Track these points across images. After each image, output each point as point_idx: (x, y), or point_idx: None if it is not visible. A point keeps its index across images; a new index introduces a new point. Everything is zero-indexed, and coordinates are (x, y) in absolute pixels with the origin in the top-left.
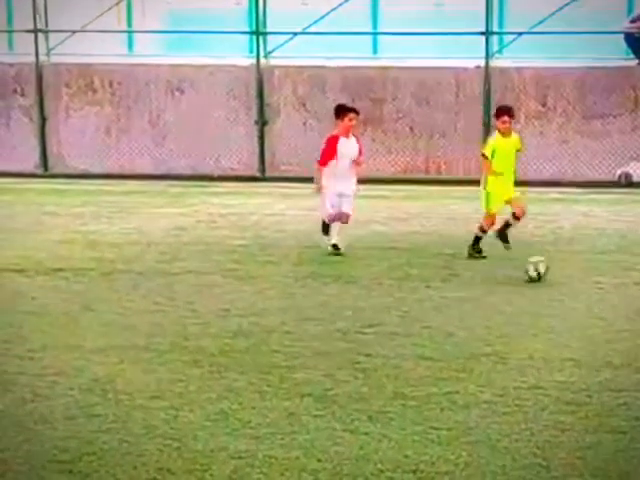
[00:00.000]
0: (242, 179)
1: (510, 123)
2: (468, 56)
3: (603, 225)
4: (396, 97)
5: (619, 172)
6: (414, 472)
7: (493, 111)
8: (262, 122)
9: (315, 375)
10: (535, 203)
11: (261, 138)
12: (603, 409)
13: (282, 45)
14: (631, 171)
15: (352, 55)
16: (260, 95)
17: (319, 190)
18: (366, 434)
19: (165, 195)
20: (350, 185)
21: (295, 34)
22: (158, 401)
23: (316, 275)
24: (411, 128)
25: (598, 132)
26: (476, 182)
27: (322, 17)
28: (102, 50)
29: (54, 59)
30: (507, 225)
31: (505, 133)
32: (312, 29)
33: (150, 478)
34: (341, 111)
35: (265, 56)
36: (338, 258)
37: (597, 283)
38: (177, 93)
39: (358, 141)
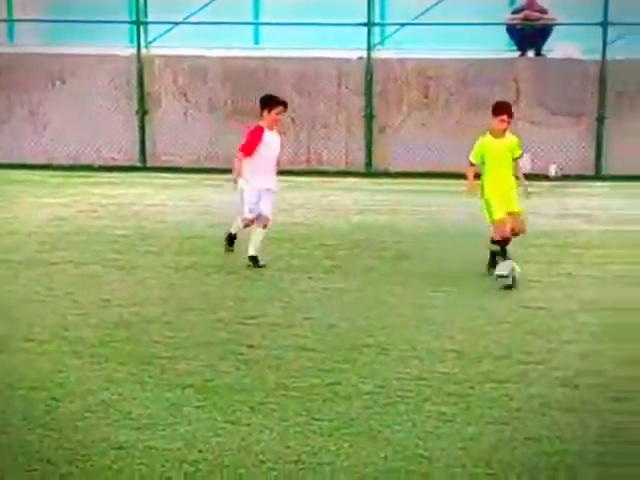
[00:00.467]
0: (123, 169)
1: (509, 123)
2: (350, 47)
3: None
4: (278, 88)
5: None
6: (296, 463)
7: (376, 102)
8: (142, 112)
9: (196, 366)
10: (417, 194)
11: (142, 128)
12: (485, 400)
13: (163, 35)
14: None
15: (233, 45)
16: (140, 85)
17: (237, 179)
18: (248, 425)
19: (46, 185)
20: (274, 181)
21: (176, 24)
22: (38, 391)
23: (197, 265)
24: (292, 119)
25: (480, 124)
26: (358, 174)
27: (203, 6)
28: None
29: None
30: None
31: (498, 134)
32: (193, 19)
33: (31, 469)
34: (270, 103)
35: (146, 46)
36: (219, 249)
37: (479, 274)
38: (58, 82)
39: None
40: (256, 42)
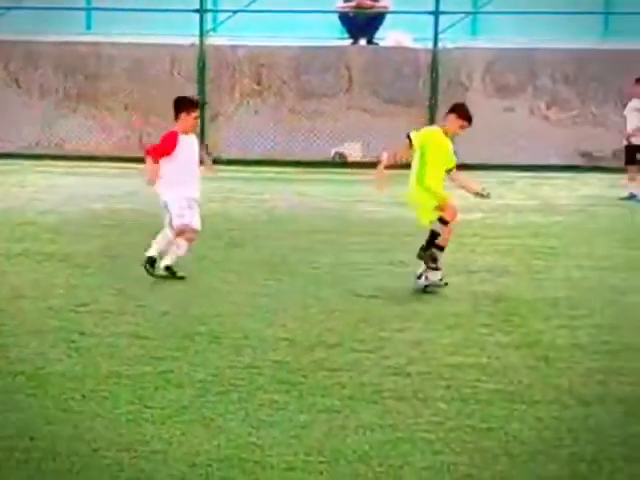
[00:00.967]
0: None
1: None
2: (183, 33)
3: (319, 205)
4: (111, 74)
5: (334, 152)
6: (128, 451)
7: (209, 89)
8: None
9: (28, 354)
10: (250, 182)
11: None
12: (317, 388)
13: None
14: (345, 151)
15: (65, 31)
16: None
17: (152, 181)
18: (80, 413)
19: None
20: (197, 190)
21: (8, 9)
22: None
23: (28, 252)
24: (125, 106)
25: (313, 112)
26: None
27: None
28: None
29: None
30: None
31: (448, 135)
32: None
33: None
34: (186, 105)
35: None
36: (50, 236)
37: (312, 263)
38: None
39: None
40: (88, 28)
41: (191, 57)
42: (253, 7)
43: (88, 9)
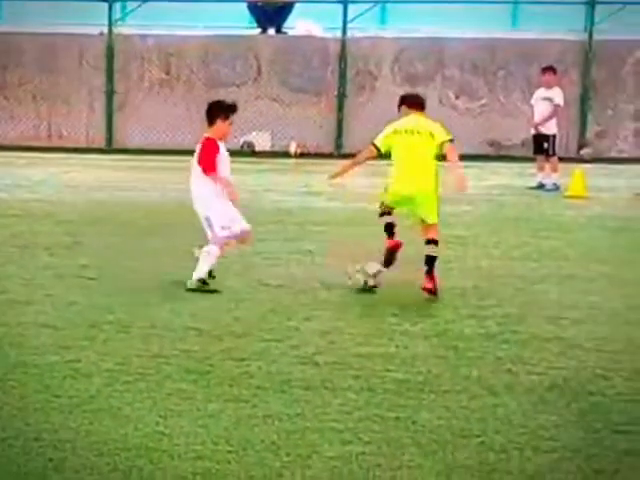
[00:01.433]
0: None
1: None
2: (92, 23)
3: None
4: (19, 63)
5: (242, 141)
6: (36, 440)
7: (117, 78)
8: None
9: None
10: (152, 171)
11: None
12: (225, 377)
13: None
14: (254, 140)
15: None
16: None
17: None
18: None
19: None
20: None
21: None
22: None
23: None
24: (34, 95)
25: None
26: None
27: None
28: None
29: None
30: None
31: None
32: None
33: None
34: (224, 111)
35: None
36: None
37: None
38: None
39: None
40: None
41: (100, 46)
42: None
43: None
